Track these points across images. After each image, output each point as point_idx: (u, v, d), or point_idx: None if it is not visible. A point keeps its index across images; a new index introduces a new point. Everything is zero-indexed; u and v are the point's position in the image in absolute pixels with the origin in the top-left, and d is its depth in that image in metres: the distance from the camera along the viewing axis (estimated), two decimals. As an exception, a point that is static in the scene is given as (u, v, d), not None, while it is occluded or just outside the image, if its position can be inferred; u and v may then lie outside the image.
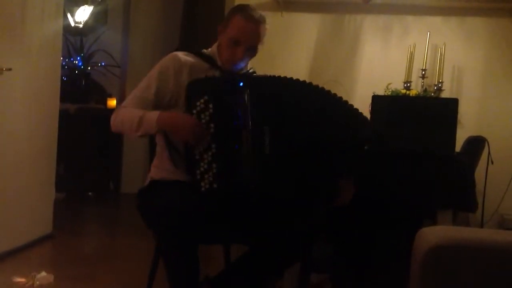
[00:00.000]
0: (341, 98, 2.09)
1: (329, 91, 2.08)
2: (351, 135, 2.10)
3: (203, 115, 1.95)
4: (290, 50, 4.20)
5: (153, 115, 2.01)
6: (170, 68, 2.08)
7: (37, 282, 1.85)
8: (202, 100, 1.95)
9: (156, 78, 2.09)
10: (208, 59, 2.13)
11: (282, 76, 2.06)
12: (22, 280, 1.86)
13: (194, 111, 1.96)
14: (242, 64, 2.11)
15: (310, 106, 2.05)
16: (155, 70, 2.12)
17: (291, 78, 2.04)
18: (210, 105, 1.95)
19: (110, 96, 5.04)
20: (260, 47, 2.10)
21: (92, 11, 4.92)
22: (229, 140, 1.96)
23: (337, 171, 2.10)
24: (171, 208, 1.88)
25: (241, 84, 1.98)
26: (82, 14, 4.88)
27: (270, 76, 2.13)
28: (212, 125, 1.95)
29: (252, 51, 2.08)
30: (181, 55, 2.12)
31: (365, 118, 2.13)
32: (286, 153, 2.00)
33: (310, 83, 2.05)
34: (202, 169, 1.95)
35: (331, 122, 2.06)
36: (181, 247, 1.91)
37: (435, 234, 1.54)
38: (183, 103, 2.02)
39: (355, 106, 2.10)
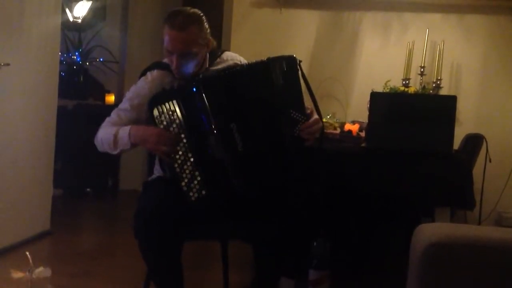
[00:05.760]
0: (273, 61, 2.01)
1: (266, 63, 2.00)
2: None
3: (172, 128, 1.97)
4: (289, 46, 4.19)
5: (126, 130, 2.04)
6: (146, 87, 2.11)
7: (35, 276, 1.84)
8: (165, 114, 1.97)
9: (133, 96, 2.12)
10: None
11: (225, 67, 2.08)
12: (20, 275, 1.86)
13: (162, 126, 1.98)
14: (188, 69, 2.06)
15: (259, 84, 2.02)
16: (130, 90, 2.15)
17: (235, 66, 2.05)
18: (174, 116, 1.96)
19: (108, 92, 5.02)
20: (198, 48, 2.03)
21: (90, 6, 4.89)
22: (203, 146, 1.97)
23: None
24: (148, 209, 1.92)
25: (194, 89, 1.97)
26: (81, 10, 4.85)
27: (217, 71, 2.12)
28: (182, 135, 1.97)
29: (189, 56, 2.03)
30: (149, 74, 2.15)
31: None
32: (260, 140, 2.00)
33: (251, 63, 2.03)
34: (186, 180, 1.96)
35: (279, 87, 2.01)
36: (159, 249, 1.93)
37: (433, 231, 1.54)
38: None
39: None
